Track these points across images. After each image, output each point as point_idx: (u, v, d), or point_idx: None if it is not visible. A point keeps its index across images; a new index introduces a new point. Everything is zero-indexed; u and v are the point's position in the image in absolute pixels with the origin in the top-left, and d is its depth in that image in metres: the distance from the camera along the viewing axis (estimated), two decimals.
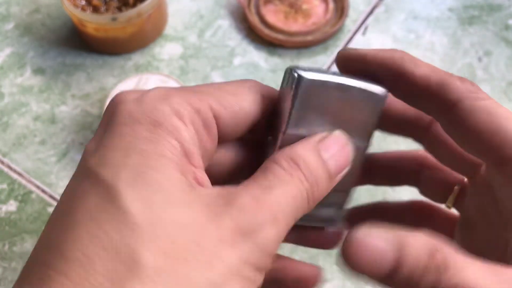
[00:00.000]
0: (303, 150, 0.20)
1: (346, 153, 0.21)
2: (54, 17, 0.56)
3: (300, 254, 0.41)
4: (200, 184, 0.18)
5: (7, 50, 0.53)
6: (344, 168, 0.21)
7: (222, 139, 0.21)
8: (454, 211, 0.26)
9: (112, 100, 0.20)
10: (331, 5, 0.55)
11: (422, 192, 0.26)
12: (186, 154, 0.18)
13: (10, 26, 0.55)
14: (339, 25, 0.53)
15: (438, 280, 0.17)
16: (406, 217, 0.27)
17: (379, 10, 0.56)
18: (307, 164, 0.19)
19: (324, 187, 0.20)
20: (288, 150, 0.20)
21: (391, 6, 0.56)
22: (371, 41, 0.54)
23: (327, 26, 0.53)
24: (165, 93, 0.19)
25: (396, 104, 0.23)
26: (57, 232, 0.17)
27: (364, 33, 0.54)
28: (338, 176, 0.21)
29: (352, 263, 0.18)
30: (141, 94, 0.19)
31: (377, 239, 0.18)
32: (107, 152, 0.17)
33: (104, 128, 0.19)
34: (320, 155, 0.20)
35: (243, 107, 0.21)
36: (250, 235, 0.17)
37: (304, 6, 0.55)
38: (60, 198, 0.18)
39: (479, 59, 0.53)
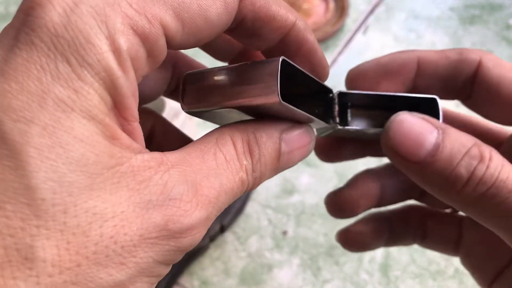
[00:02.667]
0: (266, 138, 0.18)
1: (303, 153, 0.19)
2: None
3: (300, 254, 0.41)
4: (129, 147, 0.15)
5: None
6: (291, 166, 0.19)
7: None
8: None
9: None
10: (332, 5, 0.54)
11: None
12: (118, 107, 0.14)
13: None
14: (339, 25, 0.53)
15: (474, 168, 0.17)
16: (402, 222, 0.26)
17: (380, 9, 0.56)
18: (263, 157, 0.17)
19: (264, 179, 0.18)
20: (251, 130, 0.17)
21: (392, 5, 0.56)
22: (371, 40, 0.54)
23: (328, 26, 0.53)
24: (105, 7, 0.14)
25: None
26: None
27: (364, 33, 0.54)
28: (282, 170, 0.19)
29: (394, 142, 0.18)
30: (73, 2, 0.14)
31: (421, 119, 0.18)
32: (16, 92, 0.13)
33: (16, 38, 0.14)
34: (279, 148, 0.18)
35: (209, 18, 0.15)
36: (177, 238, 0.15)
37: (305, 6, 0.55)
38: None
39: None
